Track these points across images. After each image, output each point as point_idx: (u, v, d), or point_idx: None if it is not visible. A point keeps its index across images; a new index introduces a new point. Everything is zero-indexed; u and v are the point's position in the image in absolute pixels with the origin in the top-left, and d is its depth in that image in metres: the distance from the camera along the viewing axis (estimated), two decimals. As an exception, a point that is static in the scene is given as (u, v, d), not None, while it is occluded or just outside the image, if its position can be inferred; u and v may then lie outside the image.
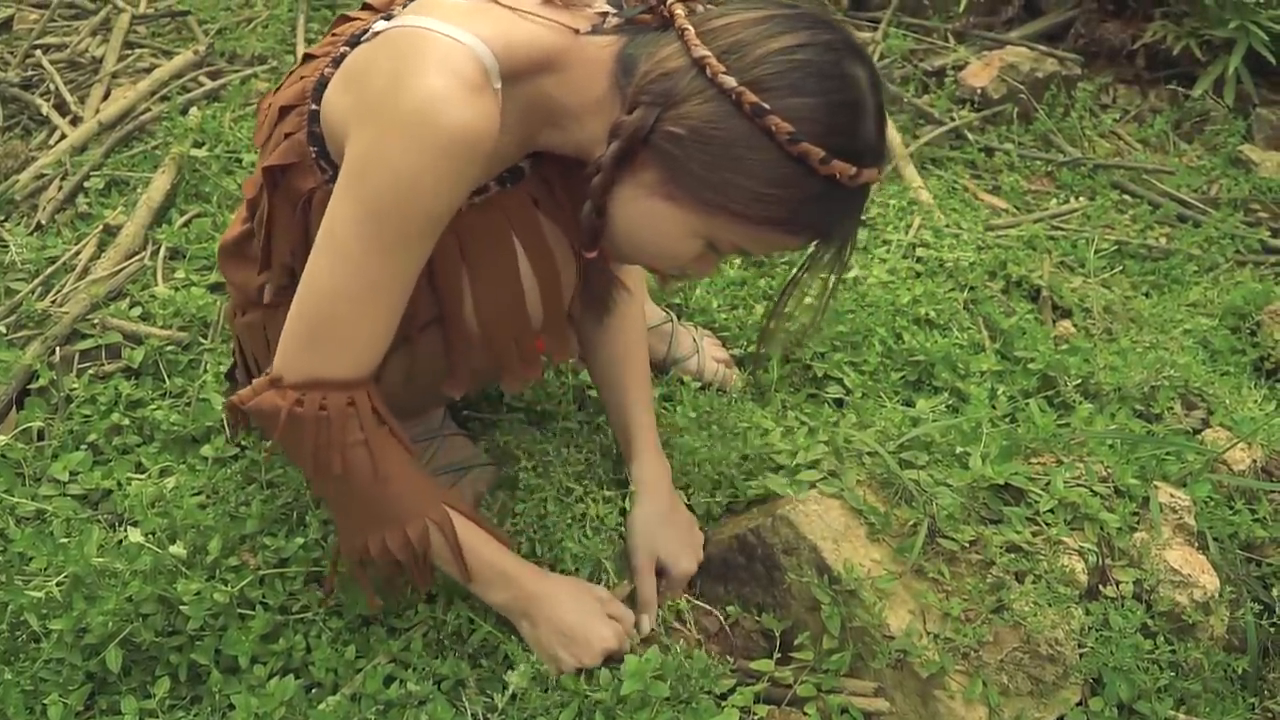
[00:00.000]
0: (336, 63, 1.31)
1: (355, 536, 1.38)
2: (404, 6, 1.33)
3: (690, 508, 1.71)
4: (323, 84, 1.30)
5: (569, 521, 1.62)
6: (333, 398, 1.27)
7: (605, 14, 1.29)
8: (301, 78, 1.35)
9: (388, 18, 1.31)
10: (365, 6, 1.40)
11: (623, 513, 1.66)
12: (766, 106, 1.15)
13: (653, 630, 1.58)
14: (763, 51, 1.16)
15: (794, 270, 1.35)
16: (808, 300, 1.39)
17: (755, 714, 1.48)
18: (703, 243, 1.28)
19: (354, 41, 1.31)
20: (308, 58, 1.38)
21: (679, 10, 1.24)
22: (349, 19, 1.41)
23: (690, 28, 1.20)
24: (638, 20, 1.27)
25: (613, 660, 1.48)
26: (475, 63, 1.17)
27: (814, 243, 1.29)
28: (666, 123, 1.19)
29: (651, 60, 1.21)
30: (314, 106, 1.30)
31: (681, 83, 1.18)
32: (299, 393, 1.26)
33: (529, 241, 1.39)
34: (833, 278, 1.33)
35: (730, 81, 1.16)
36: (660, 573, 1.62)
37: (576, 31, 1.26)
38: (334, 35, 1.37)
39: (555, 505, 1.64)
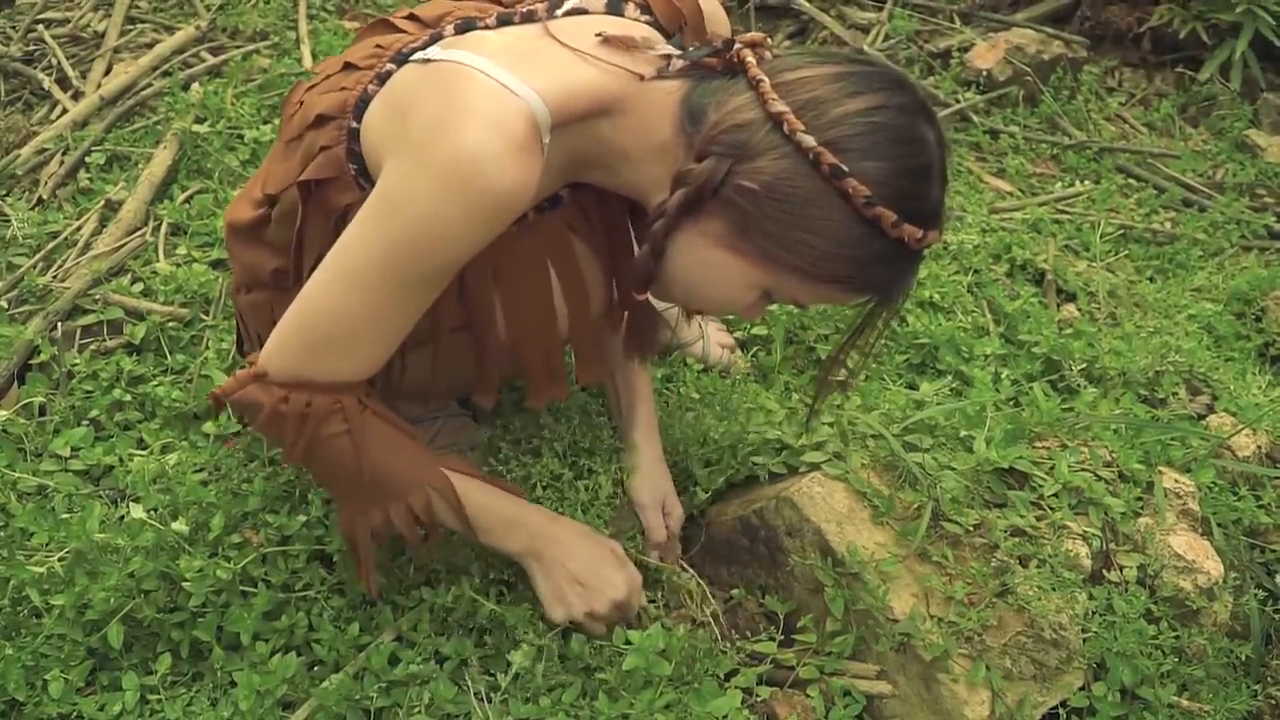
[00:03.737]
0: (381, 79, 1.28)
1: (356, 514, 1.38)
2: (455, 28, 1.31)
3: (695, 482, 1.71)
4: (365, 101, 1.28)
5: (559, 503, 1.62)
6: (318, 399, 1.27)
7: (668, 57, 1.27)
8: (342, 88, 1.31)
9: (437, 37, 1.29)
10: (410, 17, 1.38)
11: (616, 484, 1.66)
12: (845, 169, 1.14)
13: (675, 564, 1.62)
14: (840, 111, 1.15)
15: (850, 330, 1.35)
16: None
17: (758, 695, 1.48)
18: (759, 293, 1.27)
19: (401, 59, 1.29)
20: (349, 66, 1.34)
21: (750, 58, 1.21)
22: (392, 26, 1.39)
23: (765, 79, 1.18)
24: (703, 64, 1.25)
25: (623, 620, 1.49)
26: (527, 120, 1.15)
27: (869, 301, 1.29)
28: (739, 176, 1.17)
29: (722, 110, 1.19)
30: (354, 124, 1.28)
31: (756, 136, 1.16)
32: (285, 390, 1.27)
33: (562, 267, 1.38)
34: (880, 327, 1.33)
35: (809, 141, 1.14)
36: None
37: (641, 77, 1.24)
38: (379, 48, 1.33)
39: (545, 489, 1.63)
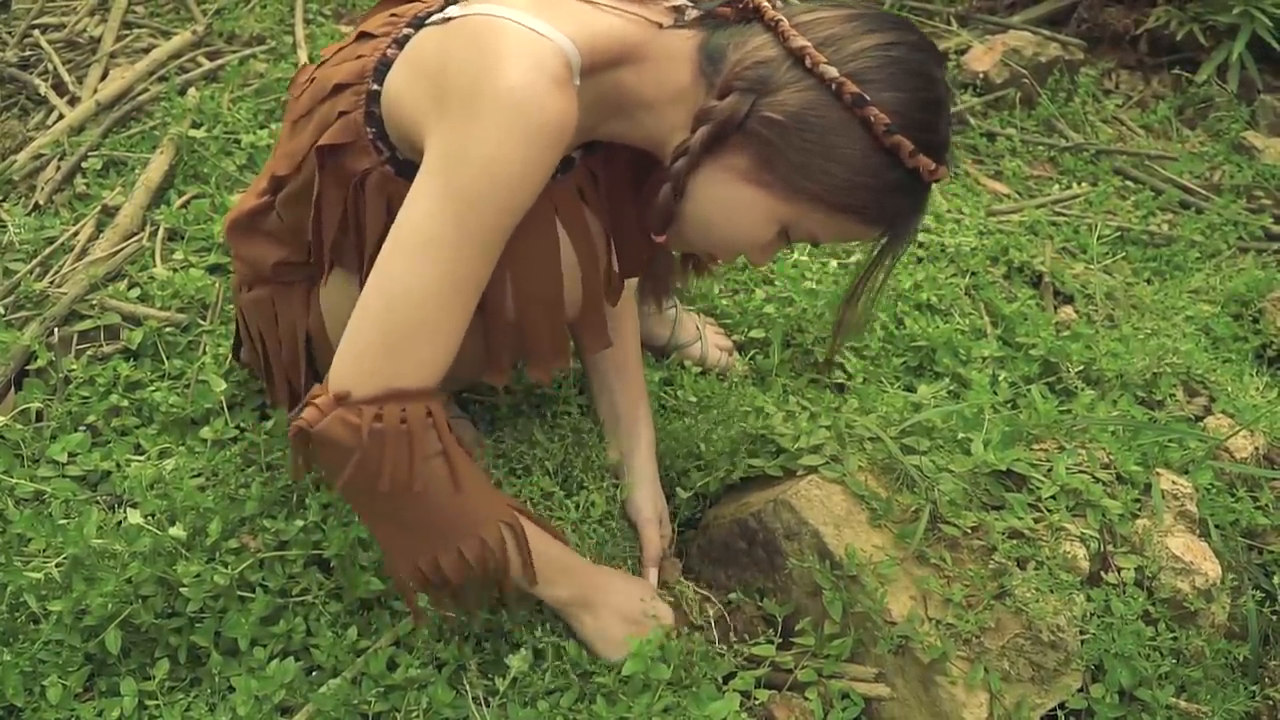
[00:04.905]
0: (399, 44, 1.29)
1: (419, 555, 1.31)
2: None
3: (692, 486, 1.72)
4: (385, 65, 1.29)
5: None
6: (412, 409, 1.20)
7: (680, 7, 1.30)
8: (359, 56, 1.32)
9: (451, 2, 1.30)
10: None
11: (609, 500, 1.66)
12: (867, 97, 1.19)
13: (676, 580, 1.62)
14: (858, 46, 1.20)
15: (865, 267, 1.38)
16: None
17: (756, 699, 1.48)
18: (778, 229, 1.30)
19: (418, 24, 1.30)
20: (364, 35, 1.35)
21: (764, 3, 1.26)
22: None
23: (783, 19, 1.23)
24: (716, 13, 1.29)
25: None
26: (560, 58, 1.17)
27: (881, 234, 1.33)
28: (763, 108, 1.21)
29: (742, 49, 1.24)
30: (374, 87, 1.28)
31: (778, 71, 1.21)
32: (376, 407, 1.18)
33: (573, 229, 1.38)
34: (887, 268, 1.37)
35: (832, 72, 1.19)
36: None
37: (659, 25, 1.27)
38: (394, 15, 1.35)
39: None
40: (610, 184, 1.47)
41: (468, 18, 1.21)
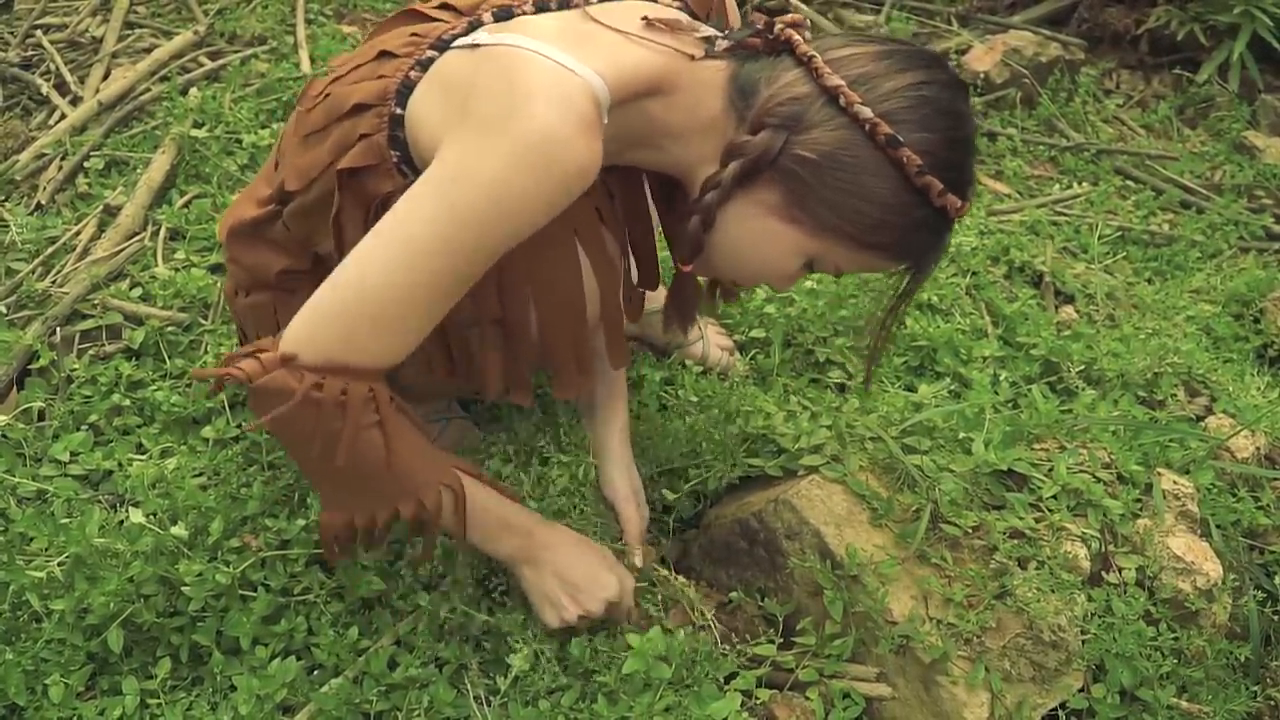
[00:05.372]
0: (423, 66, 1.28)
1: (354, 510, 1.33)
2: (493, 14, 1.31)
3: (692, 485, 1.71)
4: (408, 87, 1.28)
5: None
6: (354, 385, 1.21)
7: (710, 38, 1.30)
8: (380, 75, 1.31)
9: (476, 24, 1.30)
10: (444, 6, 1.38)
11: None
12: (900, 139, 1.19)
13: (645, 567, 1.60)
14: (892, 86, 1.21)
15: (894, 298, 1.40)
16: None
17: (757, 698, 1.48)
18: (804, 261, 1.31)
19: (442, 46, 1.29)
20: (385, 54, 1.33)
21: (796, 37, 1.26)
22: (423, 15, 1.39)
23: (816, 55, 1.23)
24: (747, 44, 1.29)
25: (610, 620, 1.49)
26: (589, 96, 1.17)
27: (906, 268, 1.34)
28: (796, 146, 1.22)
29: (774, 85, 1.24)
30: (398, 110, 1.27)
31: (811, 109, 1.22)
32: (318, 376, 1.19)
33: (592, 249, 1.38)
34: (908, 300, 1.40)
35: (866, 112, 1.20)
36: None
37: (691, 57, 1.28)
38: (415, 35, 1.33)
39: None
40: (626, 199, 1.47)
41: (497, 47, 1.21)
